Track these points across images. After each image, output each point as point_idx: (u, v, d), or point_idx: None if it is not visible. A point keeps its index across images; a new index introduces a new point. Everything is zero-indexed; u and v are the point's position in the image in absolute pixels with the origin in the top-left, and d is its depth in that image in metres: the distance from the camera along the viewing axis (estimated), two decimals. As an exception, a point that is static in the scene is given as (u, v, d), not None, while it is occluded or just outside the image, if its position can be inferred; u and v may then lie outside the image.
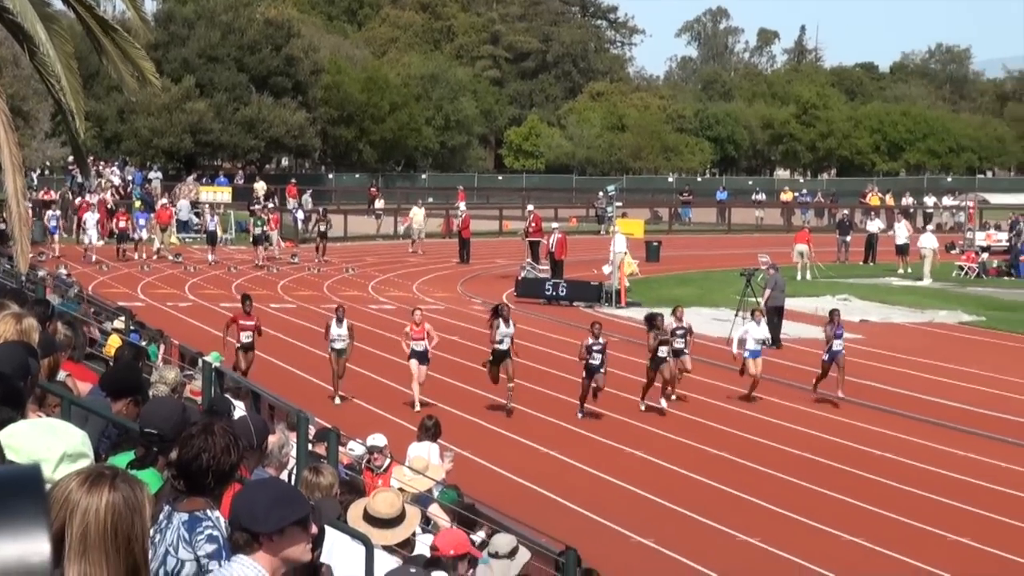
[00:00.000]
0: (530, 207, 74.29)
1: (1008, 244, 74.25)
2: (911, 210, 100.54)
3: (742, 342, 38.14)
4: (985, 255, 71.73)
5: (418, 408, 34.71)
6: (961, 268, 69.93)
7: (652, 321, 36.69)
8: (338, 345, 36.30)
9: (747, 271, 50.86)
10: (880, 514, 27.10)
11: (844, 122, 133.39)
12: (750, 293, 48.95)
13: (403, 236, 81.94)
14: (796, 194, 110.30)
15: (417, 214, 79.47)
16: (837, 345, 37.85)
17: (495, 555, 13.83)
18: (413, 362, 35.85)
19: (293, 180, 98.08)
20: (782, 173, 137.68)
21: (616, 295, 56.52)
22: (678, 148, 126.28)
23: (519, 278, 61.09)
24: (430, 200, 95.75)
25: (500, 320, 35.55)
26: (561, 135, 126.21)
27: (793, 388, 40.01)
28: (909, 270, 69.49)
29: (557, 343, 46.61)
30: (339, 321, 36.61)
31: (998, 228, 78.75)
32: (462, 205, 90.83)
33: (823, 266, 69.55)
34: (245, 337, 36.20)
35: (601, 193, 69.68)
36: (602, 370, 34.81)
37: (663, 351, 35.83)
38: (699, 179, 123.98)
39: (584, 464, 30.88)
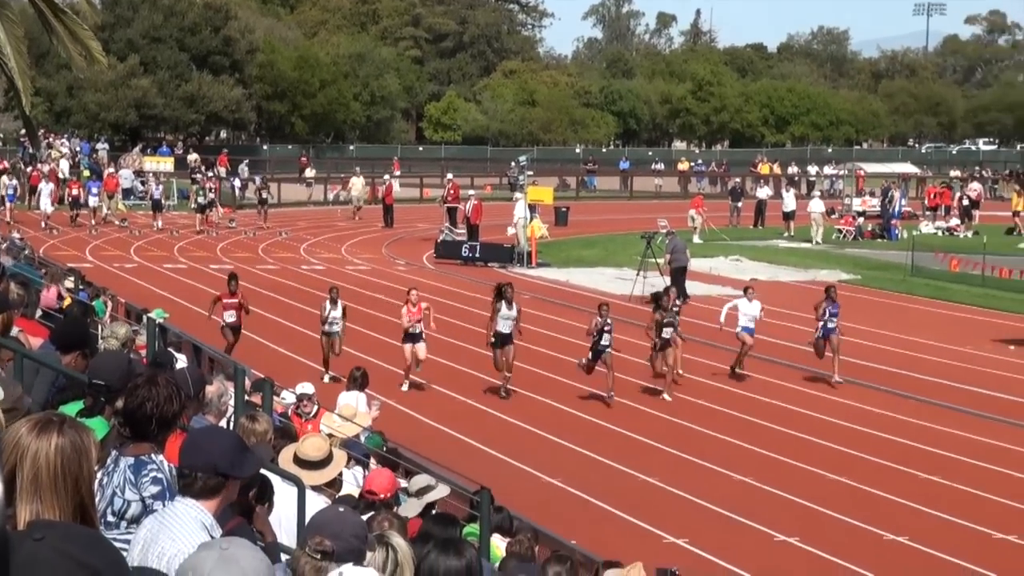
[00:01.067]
0: (449, 176, 74.28)
1: (880, 209, 74.63)
2: (796, 178, 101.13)
3: (731, 318, 34.91)
4: (861, 219, 72.20)
5: (406, 389, 32.27)
6: (840, 231, 70.29)
7: (658, 300, 32.81)
8: (336, 327, 32.88)
9: (647, 234, 50.99)
10: (769, 457, 27.28)
11: (736, 98, 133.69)
12: (650, 254, 49.07)
13: (345, 203, 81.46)
14: (692, 164, 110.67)
15: (356, 182, 79.19)
16: (832, 323, 34.07)
17: (408, 492, 13.88)
18: (407, 346, 32.34)
19: (225, 151, 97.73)
20: (679, 144, 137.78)
21: (527, 256, 56.63)
22: (584, 122, 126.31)
23: (438, 241, 61.12)
24: (356, 169, 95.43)
25: (503, 302, 31.57)
26: (477, 110, 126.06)
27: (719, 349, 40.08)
28: (793, 234, 69.86)
29: (474, 300, 46.65)
30: (334, 303, 33.07)
31: (872, 195, 79.16)
32: (397, 174, 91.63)
33: (716, 229, 69.82)
34: (228, 316, 33.43)
35: (513, 163, 69.49)
36: (609, 349, 31.60)
37: (667, 332, 31.78)
38: (603, 150, 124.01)
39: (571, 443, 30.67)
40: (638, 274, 48.70)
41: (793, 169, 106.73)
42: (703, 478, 25.80)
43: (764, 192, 79.45)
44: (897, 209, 74.93)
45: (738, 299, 35.36)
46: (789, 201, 73.00)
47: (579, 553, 16.30)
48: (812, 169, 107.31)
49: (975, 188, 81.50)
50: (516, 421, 29.97)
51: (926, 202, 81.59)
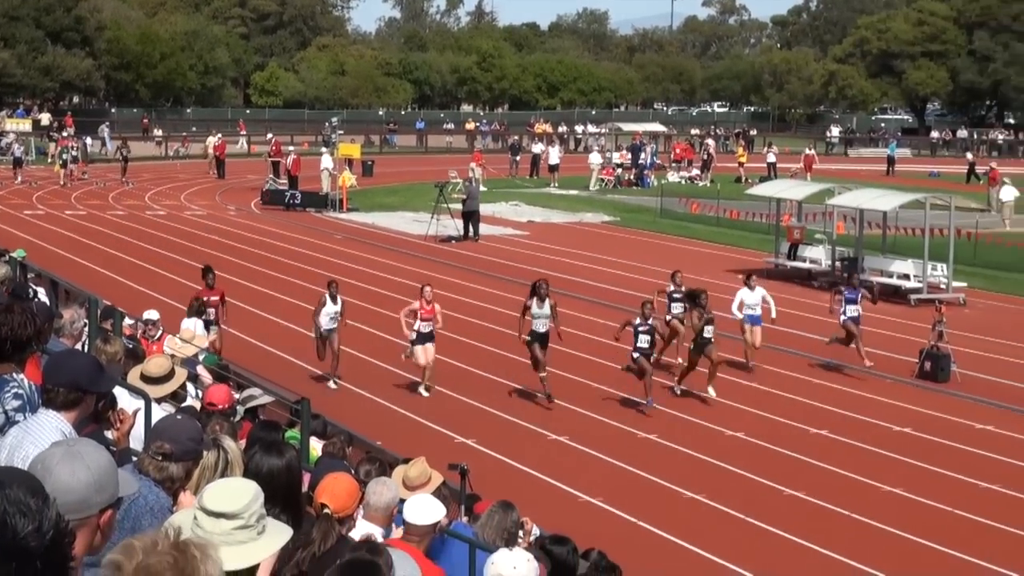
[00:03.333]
0: (271, 135, 73.78)
1: (631, 162, 75.09)
2: (565, 136, 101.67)
3: (742, 306, 28.16)
4: (619, 170, 72.78)
5: (426, 394, 25.17)
6: (602, 180, 70.78)
7: (696, 299, 26.10)
8: (332, 324, 25.17)
9: (439, 183, 51.20)
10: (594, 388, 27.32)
11: (514, 68, 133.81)
12: (442, 200, 49.15)
13: (183, 157, 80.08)
14: (477, 124, 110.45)
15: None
16: (852, 311, 27.64)
17: (239, 403, 13.79)
18: (418, 348, 24.87)
19: (69, 113, 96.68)
20: (467, 108, 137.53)
21: (339, 202, 56.35)
22: (386, 88, 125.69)
23: (264, 190, 60.52)
24: (193, 130, 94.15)
25: (535, 299, 24.70)
26: (295, 78, 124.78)
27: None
28: (558, 184, 69.98)
29: (297, 240, 46.36)
30: (333, 299, 25.29)
31: (628, 149, 79.77)
32: (243, 133, 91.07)
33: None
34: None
35: (327, 123, 69.17)
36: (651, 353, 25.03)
37: (708, 331, 25.35)
38: (402, 112, 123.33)
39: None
40: (432, 217, 48.81)
41: (563, 128, 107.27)
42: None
43: (538, 148, 79.67)
44: (649, 161, 75.70)
45: (740, 290, 28.55)
46: (554, 155, 73.31)
47: (388, 455, 16.25)
48: (579, 128, 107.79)
49: (710, 144, 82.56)
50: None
51: (672, 156, 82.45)
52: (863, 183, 53.05)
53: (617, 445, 22.15)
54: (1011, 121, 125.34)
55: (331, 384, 25.45)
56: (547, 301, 24.75)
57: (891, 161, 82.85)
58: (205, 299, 24.91)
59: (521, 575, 7.26)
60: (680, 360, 26.52)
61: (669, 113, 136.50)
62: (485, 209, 53.88)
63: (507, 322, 31.06)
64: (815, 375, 27.89)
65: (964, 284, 37.75)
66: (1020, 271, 41.40)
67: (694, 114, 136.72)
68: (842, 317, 27.84)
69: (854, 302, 27.70)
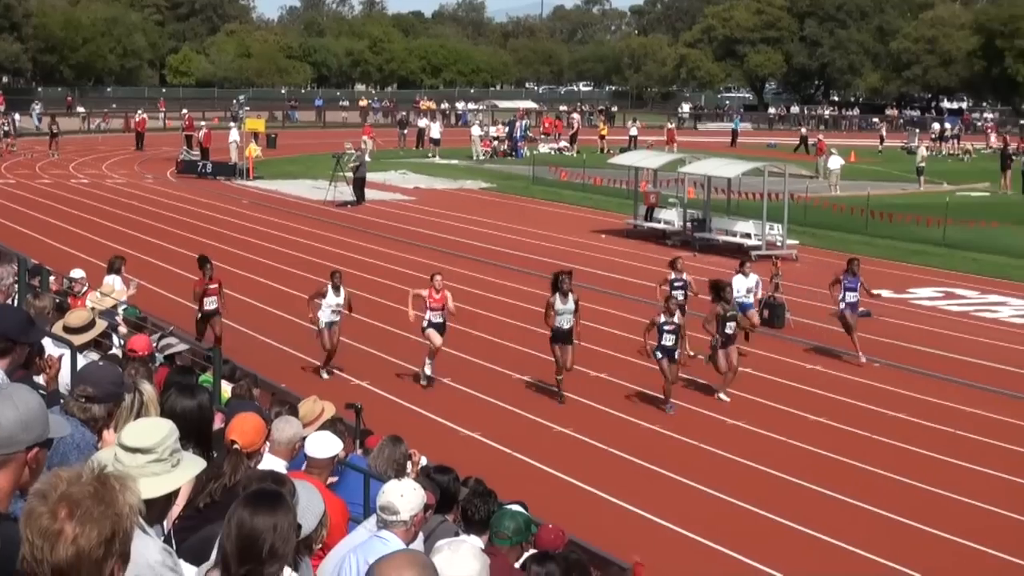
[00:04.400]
0: (185, 111, 72.72)
1: (507, 135, 74.98)
2: (447, 112, 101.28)
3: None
4: (495, 142, 72.69)
5: (425, 383, 21.82)
6: (484, 151, 70.60)
7: (720, 291, 21.71)
8: (334, 317, 21.55)
9: (336, 154, 50.84)
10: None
11: (402, 52, 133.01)
12: (339, 169, 48.87)
13: (106, 131, 78.69)
14: (370, 101, 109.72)
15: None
16: (851, 297, 24.18)
17: (158, 350, 13.67)
18: (432, 331, 21.39)
19: (1, 92, 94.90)
20: (360, 87, 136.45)
21: (246, 171, 55.76)
22: (288, 69, 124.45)
23: (178, 160, 59.69)
24: (113, 107, 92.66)
25: (558, 295, 20.80)
26: (206, 60, 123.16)
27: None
28: (439, 156, 69.54)
29: (208, 205, 45.83)
30: (336, 289, 21.56)
31: (504, 124, 79.67)
32: (163, 110, 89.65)
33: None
34: (209, 303, 22.32)
35: (235, 101, 68.57)
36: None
37: (731, 328, 21.45)
38: (303, 91, 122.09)
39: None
40: (331, 184, 48.52)
41: (444, 105, 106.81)
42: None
43: (423, 122, 79.28)
44: (521, 134, 75.67)
45: (734, 277, 24.49)
46: (435, 130, 73.00)
47: (293, 396, 16.09)
48: (459, 105, 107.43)
49: (576, 119, 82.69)
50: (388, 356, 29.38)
51: (542, 129, 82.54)
52: (711, 153, 53.63)
53: (496, 386, 22.21)
54: (835, 98, 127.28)
55: (324, 375, 21.83)
56: (571, 296, 20.85)
57: (735, 134, 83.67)
58: (205, 288, 22.12)
59: (409, 501, 7.27)
60: (689, 352, 21.07)
61: (540, 92, 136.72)
62: (376, 177, 53.64)
63: (391, 276, 31.03)
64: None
65: (796, 242, 38.22)
66: (844, 230, 42.05)
67: (562, 92, 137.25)
68: (841, 304, 24.04)
69: (853, 289, 24.24)
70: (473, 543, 7.28)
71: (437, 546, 5.77)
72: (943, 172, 62.77)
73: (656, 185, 44.41)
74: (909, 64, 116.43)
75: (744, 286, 24.34)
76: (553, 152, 73.27)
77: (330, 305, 21.50)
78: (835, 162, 55.62)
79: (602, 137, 76.19)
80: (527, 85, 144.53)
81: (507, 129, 75.82)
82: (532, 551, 9.05)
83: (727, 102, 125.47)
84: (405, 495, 7.30)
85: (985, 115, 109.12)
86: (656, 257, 35.91)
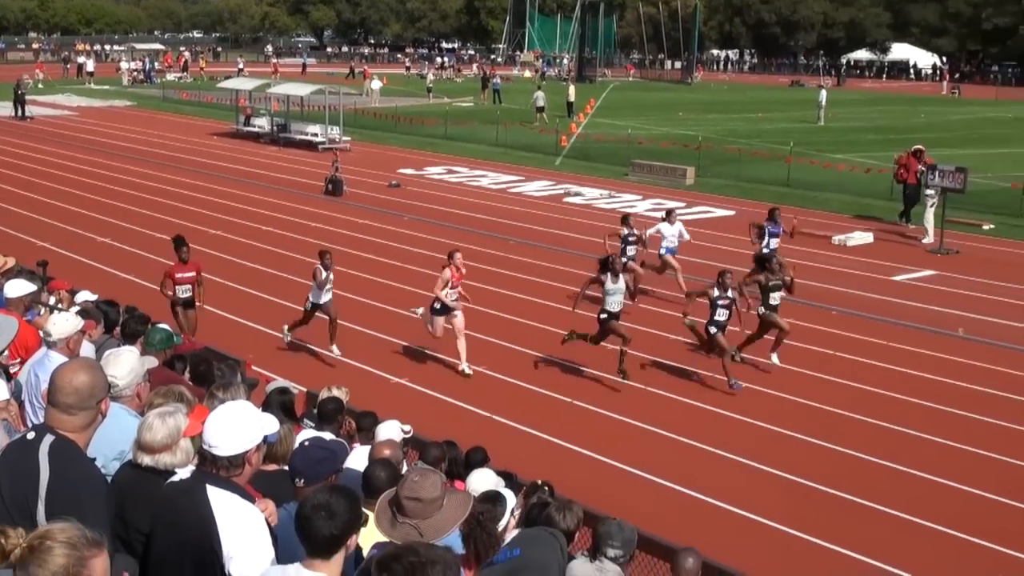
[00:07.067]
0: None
1: (143, 68, 71.20)
2: (99, 53, 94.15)
3: (654, 240, 18.30)
4: (136, 73, 68.67)
5: (469, 372, 13.91)
6: (131, 80, 66.94)
7: (765, 262, 14.96)
8: (328, 296, 14.23)
9: (16, 83, 47.10)
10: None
11: (63, 9, 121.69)
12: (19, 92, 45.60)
13: None
14: (40, 45, 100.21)
15: (27, 81, 66.82)
16: (774, 244, 18.08)
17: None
18: (439, 318, 13.98)
19: None
20: (33, 34, 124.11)
21: None
22: None
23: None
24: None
25: (609, 275, 13.71)
26: None
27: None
28: (94, 83, 65.53)
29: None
30: (328, 268, 14.10)
31: (140, 59, 75.07)
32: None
33: (42, 83, 64.77)
34: (183, 292, 13.85)
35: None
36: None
37: (775, 298, 14.58)
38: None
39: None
40: (15, 106, 45.34)
41: (97, 47, 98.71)
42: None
43: (81, 59, 73.48)
44: (150, 67, 72.06)
45: (660, 223, 18.58)
46: (90, 65, 68.67)
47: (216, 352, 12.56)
48: (107, 47, 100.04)
49: (186, 54, 79.28)
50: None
51: (166, 63, 78.74)
52: (289, 79, 53.89)
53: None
54: (372, 41, 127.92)
55: (334, 350, 14.54)
56: (622, 276, 14.06)
57: (304, 66, 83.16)
58: (177, 276, 13.89)
59: (120, 368, 5.48)
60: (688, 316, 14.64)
61: (165, 37, 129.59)
62: (48, 99, 50.66)
63: (53, 171, 30.03)
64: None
65: (349, 139, 39.00)
66: (382, 130, 43.37)
67: (181, 38, 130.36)
68: (764, 251, 17.02)
69: (776, 235, 18.39)
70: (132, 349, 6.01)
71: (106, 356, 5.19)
72: (445, 90, 65.35)
73: (251, 101, 44.59)
74: (419, 18, 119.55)
75: (671, 232, 18.27)
76: (177, 79, 70.75)
77: (325, 285, 14.31)
78: (376, 84, 57.37)
79: (201, 69, 74.20)
80: (155, 33, 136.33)
81: (143, 63, 72.45)
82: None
83: (299, 45, 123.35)
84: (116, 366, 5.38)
85: (470, 52, 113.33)
86: (256, 151, 36.42)
